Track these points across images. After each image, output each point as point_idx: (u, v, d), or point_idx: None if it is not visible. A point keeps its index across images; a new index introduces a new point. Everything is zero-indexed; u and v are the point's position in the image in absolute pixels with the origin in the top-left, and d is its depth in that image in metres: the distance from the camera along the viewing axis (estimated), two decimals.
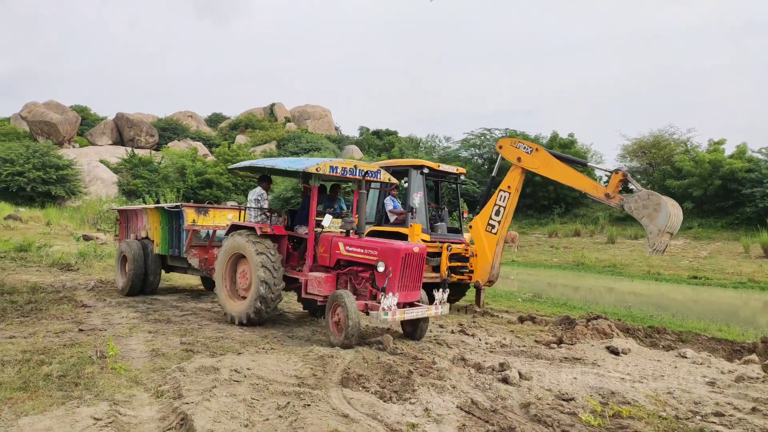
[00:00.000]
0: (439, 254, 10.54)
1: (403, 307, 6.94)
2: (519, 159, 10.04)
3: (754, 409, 5.03)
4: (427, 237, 10.52)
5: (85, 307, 8.96)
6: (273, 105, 75.73)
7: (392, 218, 11.11)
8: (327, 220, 7.58)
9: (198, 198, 41.35)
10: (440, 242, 10.63)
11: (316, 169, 7.43)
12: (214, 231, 10.15)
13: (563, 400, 5.10)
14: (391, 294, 6.69)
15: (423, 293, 7.51)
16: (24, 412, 4.22)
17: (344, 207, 9.61)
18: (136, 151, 52.14)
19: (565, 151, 36.13)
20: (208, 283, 11.70)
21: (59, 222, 30.75)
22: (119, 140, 60.66)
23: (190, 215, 10.04)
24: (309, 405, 4.57)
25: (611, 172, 9.69)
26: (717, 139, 32.47)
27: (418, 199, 10.92)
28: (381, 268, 6.85)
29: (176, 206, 10.07)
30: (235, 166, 9.16)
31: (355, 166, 7.93)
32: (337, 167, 7.67)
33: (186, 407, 4.34)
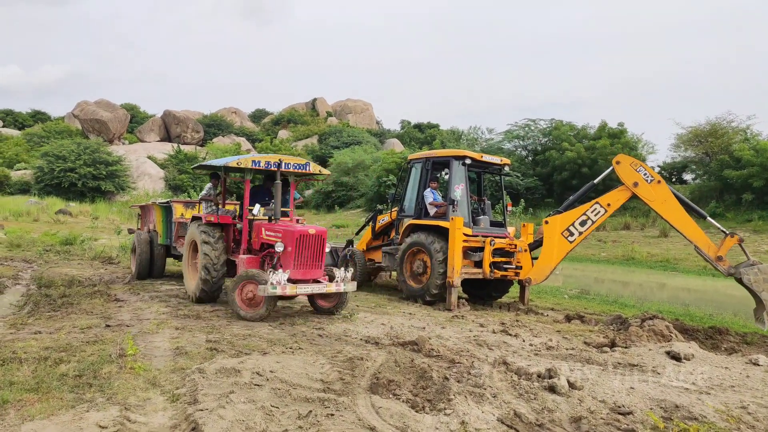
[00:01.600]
0: (481, 249, 9.98)
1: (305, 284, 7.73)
2: (636, 184, 9.22)
3: None
4: (468, 231, 9.99)
5: (117, 301, 8.83)
6: (315, 100, 75.97)
7: (432, 211, 10.61)
8: (256, 209, 8.47)
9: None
10: (483, 236, 10.07)
11: (237, 164, 8.62)
12: None
13: (620, 413, 4.51)
14: (280, 270, 7.55)
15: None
16: (30, 417, 3.96)
17: (298, 196, 10.77)
18: (182, 147, 53.18)
19: (615, 141, 34.65)
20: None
21: (107, 216, 31.52)
22: (166, 137, 62.08)
23: (178, 209, 11.53)
24: (333, 414, 4.16)
25: (726, 233, 8.85)
26: None
27: (459, 191, 10.38)
28: (279, 248, 7.72)
29: (167, 202, 11.82)
30: (195, 165, 10.24)
31: (280, 160, 8.75)
32: (259, 161, 8.68)
33: (199, 414, 3.99)
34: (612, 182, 10.92)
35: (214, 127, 64.90)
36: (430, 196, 10.74)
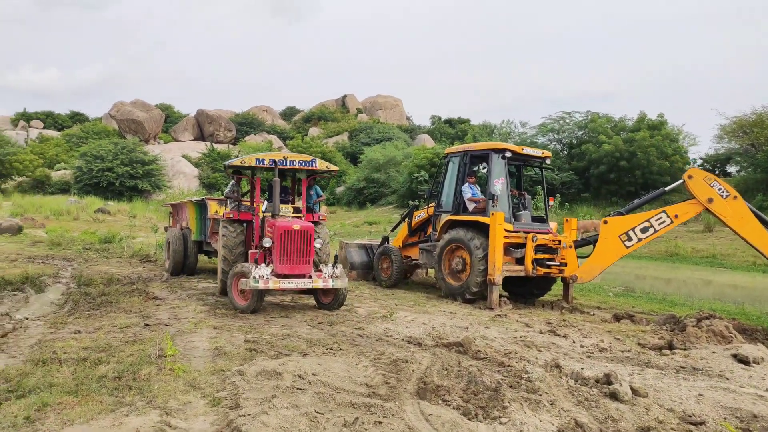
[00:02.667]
0: (522, 245, 9.61)
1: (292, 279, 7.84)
2: (710, 200, 8.75)
3: None
4: (510, 227, 9.62)
5: (155, 299, 8.78)
6: (345, 96, 75.99)
7: (471, 207, 10.28)
8: (264, 206, 8.76)
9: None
10: (524, 232, 9.70)
11: (241, 162, 8.89)
12: None
13: (691, 424, 4.15)
14: (263, 265, 7.81)
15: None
16: (69, 421, 3.83)
17: (320, 193, 11.01)
18: (215, 145, 53.84)
19: (655, 133, 33.53)
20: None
21: (144, 215, 32.04)
22: (200, 136, 62.92)
23: (213, 207, 11.50)
24: (380, 422, 3.92)
25: None
26: None
27: (499, 185, 10.03)
28: (267, 244, 7.93)
29: (202, 200, 11.96)
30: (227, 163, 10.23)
31: (284, 158, 8.88)
32: (263, 159, 8.79)
33: (242, 421, 3.80)
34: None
35: (246, 125, 65.50)
36: (468, 191, 10.41)
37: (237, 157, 48.59)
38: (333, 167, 9.60)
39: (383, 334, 6.90)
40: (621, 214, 9.68)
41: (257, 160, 8.82)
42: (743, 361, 5.84)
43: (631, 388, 4.65)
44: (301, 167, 9.20)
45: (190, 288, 10.16)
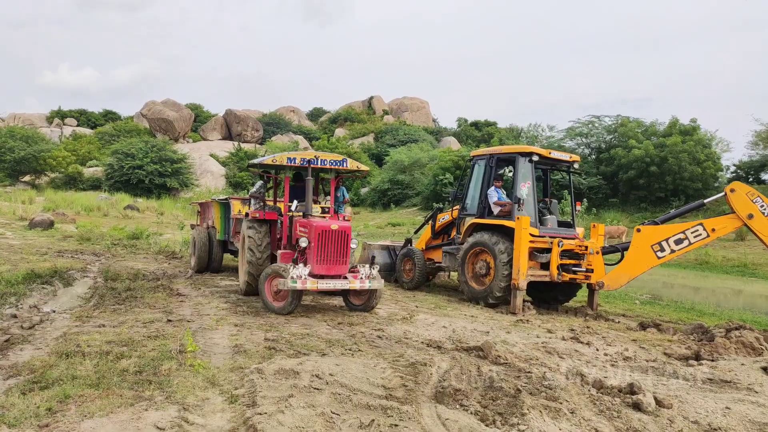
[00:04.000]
0: (548, 250, 9.47)
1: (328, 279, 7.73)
2: (751, 216, 8.51)
3: None
4: (535, 231, 9.50)
5: (179, 295, 8.90)
6: (371, 98, 76.13)
7: (496, 210, 10.17)
8: (294, 205, 8.68)
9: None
10: (550, 237, 9.56)
11: (272, 161, 8.74)
12: None
13: None
14: (302, 265, 7.62)
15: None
16: (90, 414, 3.89)
17: (346, 195, 10.90)
18: (243, 145, 54.44)
19: (687, 138, 32.78)
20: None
21: (172, 212, 32.57)
22: (228, 135, 63.73)
23: (236, 206, 11.47)
24: (397, 425, 3.89)
25: None
26: None
27: (526, 189, 9.90)
28: (303, 244, 7.88)
29: (225, 199, 11.92)
30: (251, 162, 10.39)
31: (315, 157, 8.84)
32: (294, 158, 8.71)
33: (258, 419, 3.81)
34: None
35: (273, 125, 66.10)
36: (494, 194, 10.30)
37: (264, 156, 49.09)
38: (363, 167, 9.56)
39: (403, 336, 6.86)
40: (655, 223, 9.45)
41: (289, 158, 8.73)
42: None
43: (655, 399, 4.52)
44: (332, 167, 9.16)
45: (213, 285, 10.27)
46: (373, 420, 3.94)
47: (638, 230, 9.28)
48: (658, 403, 4.50)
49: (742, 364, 6.07)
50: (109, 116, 69.35)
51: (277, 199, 10.39)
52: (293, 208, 8.60)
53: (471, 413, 4.22)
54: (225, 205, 11.88)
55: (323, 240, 7.77)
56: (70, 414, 3.88)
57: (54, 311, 7.30)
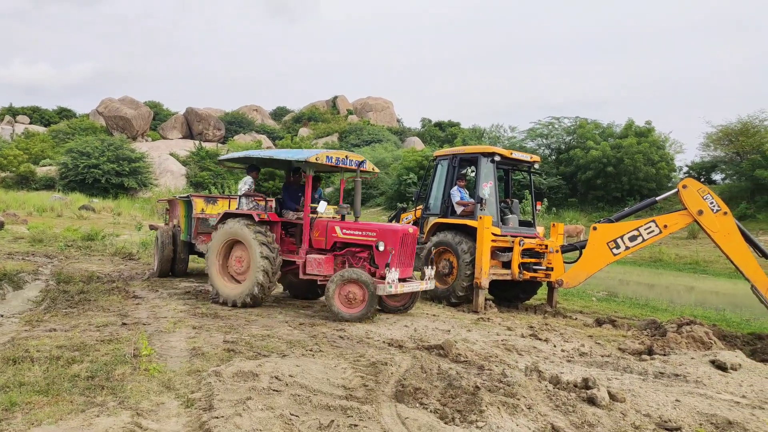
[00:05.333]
0: (510, 249, 9.62)
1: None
2: (701, 212, 8.75)
3: None
4: (497, 231, 9.63)
5: (135, 298, 8.67)
6: (336, 98, 75.94)
7: (459, 210, 10.26)
8: (322, 206, 8.07)
9: (261, 189, 41.90)
10: (512, 236, 9.71)
11: (316, 159, 8.09)
12: None
13: (667, 429, 4.16)
14: (393, 269, 7.47)
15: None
16: (37, 422, 3.74)
17: (322, 194, 10.11)
18: (204, 144, 53.49)
19: (642, 140, 33.82)
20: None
21: (129, 212, 31.73)
22: (189, 134, 62.57)
23: (198, 204, 10.94)
24: (356, 425, 3.88)
25: None
26: None
27: (488, 189, 10.03)
28: (381, 247, 7.69)
29: (187, 196, 11.12)
30: (227, 156, 9.70)
31: (346, 156, 8.58)
32: (332, 157, 8.37)
33: (214, 423, 3.74)
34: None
35: (235, 124, 65.24)
36: (457, 194, 10.40)
37: (226, 154, 48.27)
38: (376, 169, 9.35)
39: (364, 336, 6.85)
40: (610, 221, 9.70)
41: (328, 158, 8.26)
42: (721, 367, 5.87)
43: (609, 393, 4.64)
44: (363, 168, 8.72)
45: (171, 287, 10.04)
46: (333, 420, 3.91)
47: (594, 228, 9.51)
48: (612, 397, 4.62)
49: (692, 358, 6.28)
50: (64, 114, 67.19)
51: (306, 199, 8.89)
52: (321, 209, 8.08)
53: (430, 411, 4.24)
54: (187, 203, 11.23)
55: (404, 243, 7.83)
56: (16, 422, 3.73)
57: (2, 315, 7.01)
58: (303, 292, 9.64)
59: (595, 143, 34.76)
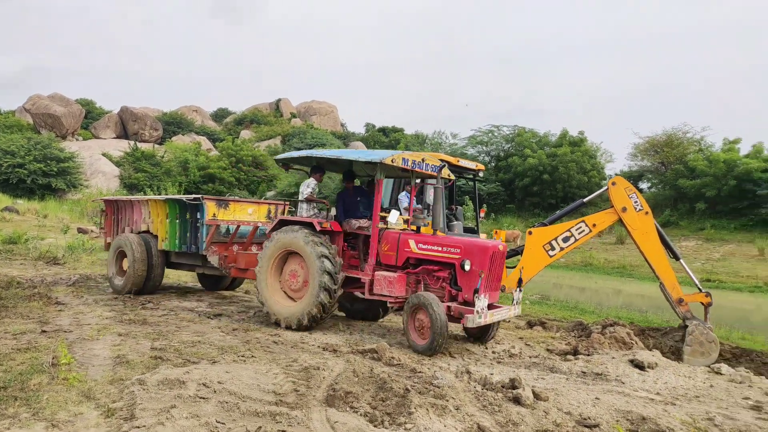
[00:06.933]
0: None
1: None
2: (624, 209, 9.08)
3: None
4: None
5: (58, 304, 8.26)
6: (279, 101, 75.02)
7: (405, 215, 10.35)
8: (394, 216, 6.96)
9: (200, 193, 40.81)
10: None
11: (392, 161, 6.95)
12: (238, 226, 9.24)
13: (586, 426, 4.35)
14: (482, 295, 6.32)
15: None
16: None
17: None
18: (140, 144, 51.56)
19: (575, 149, 35.25)
20: (208, 282, 11.11)
21: (57, 214, 30.17)
22: (123, 134, 60.10)
23: (210, 209, 9.09)
24: (284, 431, 3.84)
25: (701, 290, 8.75)
26: (732, 138, 31.54)
27: (431, 196, 10.17)
28: (467, 267, 6.50)
29: (196, 198, 9.07)
30: (285, 156, 8.40)
31: (423, 159, 7.48)
32: (408, 159, 7.20)
33: None
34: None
35: (173, 125, 63.20)
36: (405, 200, 10.48)
37: (163, 157, 46.40)
38: (452, 175, 8.55)
39: (299, 341, 6.79)
40: (544, 224, 10.04)
41: (404, 159, 7.16)
42: (639, 366, 6.20)
43: (533, 393, 4.81)
44: (436, 173, 7.82)
45: (97, 293, 9.62)
46: (260, 427, 3.86)
47: (530, 233, 9.83)
48: (536, 396, 4.79)
49: (613, 358, 6.60)
50: None
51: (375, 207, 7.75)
52: (393, 220, 6.95)
53: (360, 415, 4.26)
54: (186, 207, 9.28)
55: (493, 263, 6.69)
56: None
57: None
58: (361, 313, 8.73)
59: (532, 151, 35.93)
